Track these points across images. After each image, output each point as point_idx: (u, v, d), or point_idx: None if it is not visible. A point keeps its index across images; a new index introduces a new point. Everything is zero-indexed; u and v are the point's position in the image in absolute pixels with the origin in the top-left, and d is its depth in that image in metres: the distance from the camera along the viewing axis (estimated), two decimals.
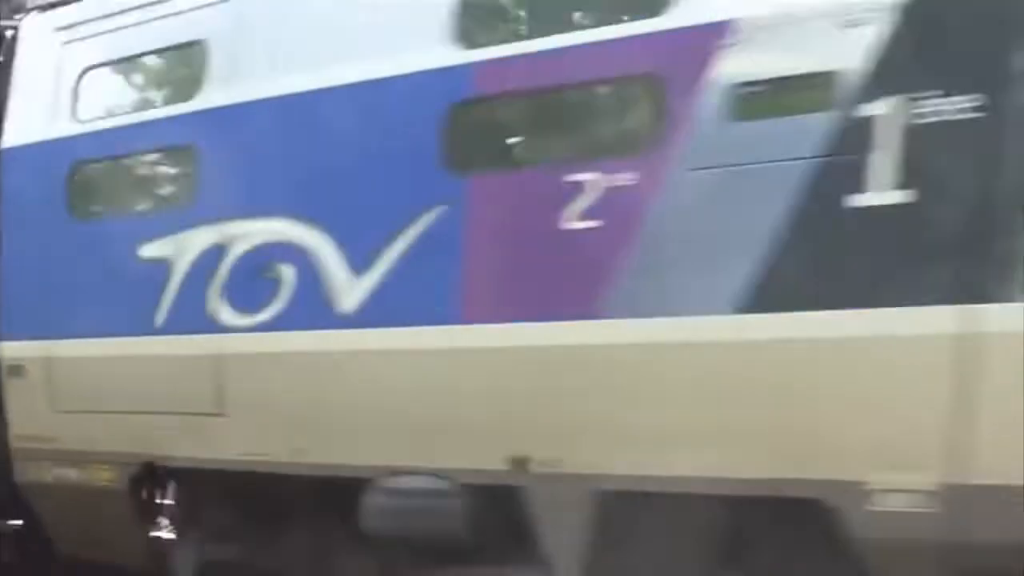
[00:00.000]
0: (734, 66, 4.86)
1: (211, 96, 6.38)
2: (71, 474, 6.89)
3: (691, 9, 5.02)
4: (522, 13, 5.99)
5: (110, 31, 7.02)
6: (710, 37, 4.92)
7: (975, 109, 4.34)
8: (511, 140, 6.07)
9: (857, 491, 4.57)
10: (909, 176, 4.46)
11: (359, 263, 5.70)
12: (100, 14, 7.08)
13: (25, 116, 7.26)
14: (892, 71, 4.55)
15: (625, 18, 5.34)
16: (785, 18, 4.80)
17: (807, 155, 4.67)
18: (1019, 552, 4.16)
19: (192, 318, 6.28)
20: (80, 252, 6.85)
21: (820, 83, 4.71)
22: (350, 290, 5.74)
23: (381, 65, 5.79)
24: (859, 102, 4.57)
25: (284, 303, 5.96)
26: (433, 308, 5.56)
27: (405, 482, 5.61)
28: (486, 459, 5.39)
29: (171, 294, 6.35)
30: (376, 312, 5.70)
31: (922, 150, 4.47)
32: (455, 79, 5.60)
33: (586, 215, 5.12)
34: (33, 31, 7.41)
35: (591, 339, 5.13)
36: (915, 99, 4.46)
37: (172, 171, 6.89)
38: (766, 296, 4.75)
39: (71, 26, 7.17)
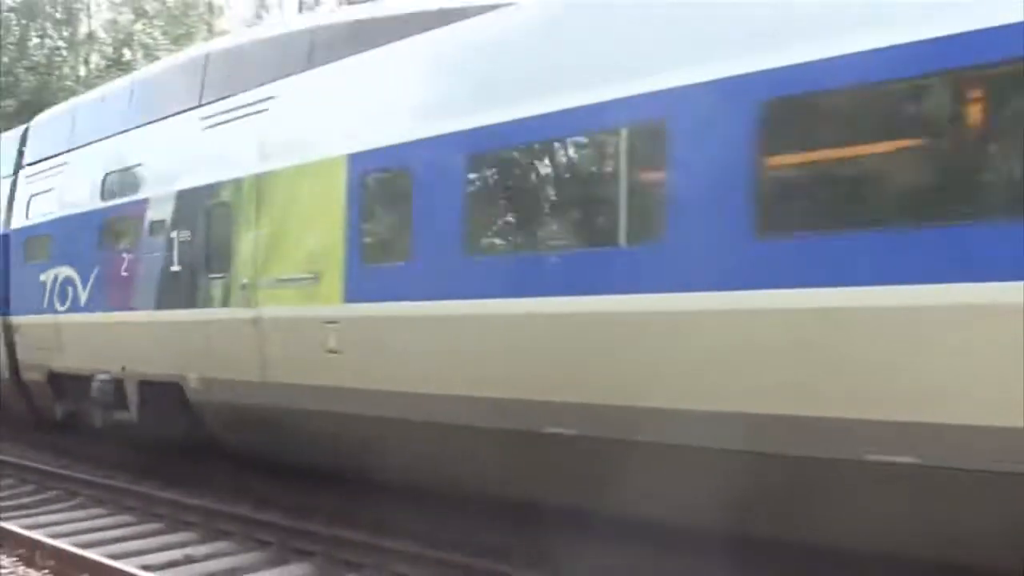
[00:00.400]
0: (148, 216, 11.65)
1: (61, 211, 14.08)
2: (30, 374, 14.54)
3: (142, 192, 11.84)
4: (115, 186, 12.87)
5: None
6: (143, 204, 11.71)
7: (190, 239, 10.99)
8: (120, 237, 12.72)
9: (186, 379, 11.00)
10: (180, 260, 10.94)
11: (83, 286, 12.86)
12: None
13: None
14: (170, 222, 11.25)
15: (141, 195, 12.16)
16: (159, 199, 11.54)
17: (160, 252, 11.30)
18: (229, 406, 10.51)
19: (51, 304, 13.78)
20: (29, 278, 14.53)
21: (160, 226, 11.37)
22: (81, 297, 12.91)
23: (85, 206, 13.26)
24: (169, 231, 11.22)
25: (70, 301, 13.17)
26: (98, 304, 12.57)
27: (98, 376, 12.44)
28: (116, 367, 12.19)
29: (46, 295, 13.87)
30: (88, 306, 12.79)
31: (183, 252, 10.97)
32: (103, 213, 12.80)
33: (125, 270, 12.03)
34: None
35: (129, 319, 11.95)
36: (179, 232, 11.09)
37: (48, 246, 14.21)
38: (160, 302, 11.38)
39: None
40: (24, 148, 15.42)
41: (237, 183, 10.23)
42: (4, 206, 15.27)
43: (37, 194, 14.60)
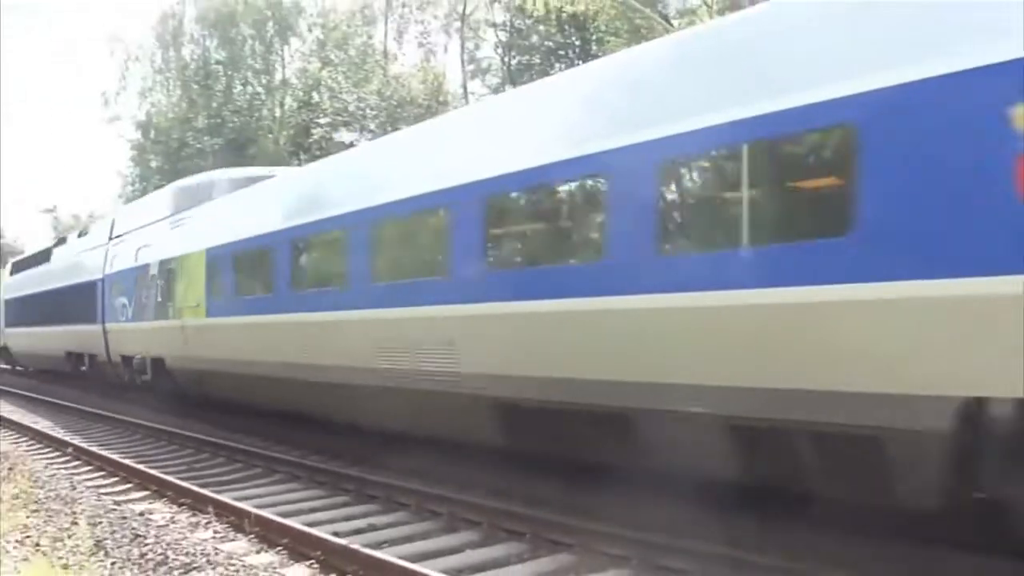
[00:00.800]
0: (149, 272, 18.40)
1: (122, 266, 20.67)
2: (114, 356, 20.70)
3: (148, 259, 18.65)
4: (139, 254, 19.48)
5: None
6: (148, 266, 18.52)
7: (163, 284, 17.70)
8: (141, 282, 19.10)
9: (165, 356, 17.62)
10: (161, 294, 17.66)
11: (130, 308, 19.48)
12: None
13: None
14: (157, 275, 18.01)
15: (147, 261, 18.98)
16: (154, 264, 18.30)
17: (155, 290, 18.06)
18: (181, 369, 17.29)
19: (119, 317, 20.16)
20: (112, 302, 20.76)
21: (154, 277, 18.23)
22: (129, 313, 19.54)
23: (130, 265, 20.22)
24: (157, 280, 18.13)
25: (125, 316, 19.82)
26: (135, 318, 19.18)
27: (136, 357, 18.99)
28: (142, 351, 18.65)
29: (118, 312, 20.30)
30: (132, 319, 19.38)
31: (162, 290, 17.65)
32: (135, 269, 19.50)
33: (143, 299, 18.70)
34: None
35: (145, 326, 18.56)
36: (159, 280, 17.84)
37: (119, 285, 20.63)
38: (155, 316, 17.94)
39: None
40: (112, 228, 22.29)
41: (177, 258, 16.88)
42: (103, 261, 21.70)
43: (116, 256, 21.05)
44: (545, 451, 8.89)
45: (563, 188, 8.39)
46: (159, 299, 17.29)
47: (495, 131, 9.53)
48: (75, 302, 22.89)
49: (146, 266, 18.26)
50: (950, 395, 5.34)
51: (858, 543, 6.65)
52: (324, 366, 11.63)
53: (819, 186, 6.43)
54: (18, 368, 33.41)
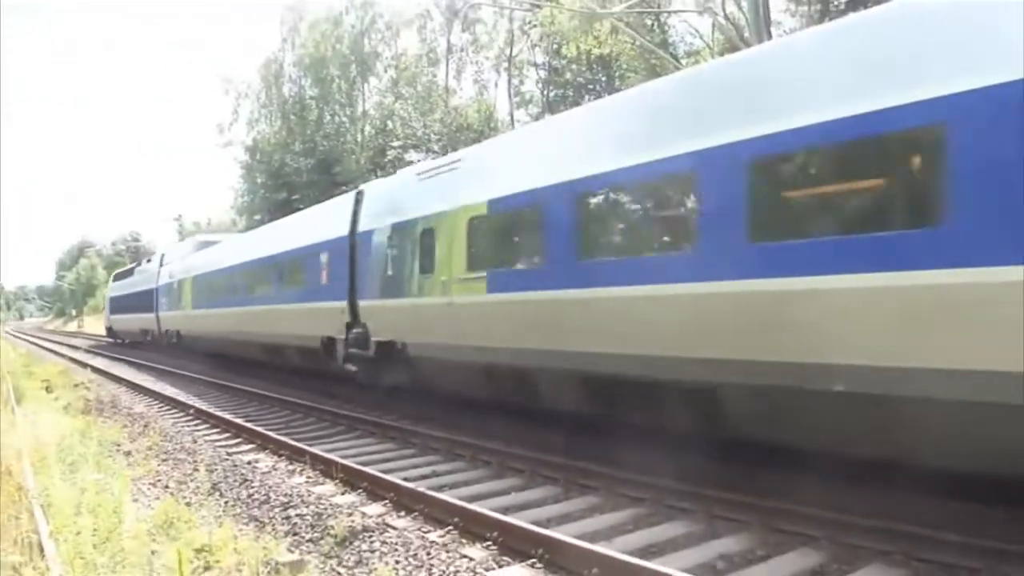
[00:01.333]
0: (173, 287, 27.29)
1: (165, 281, 29.32)
2: (162, 329, 29.16)
3: (173, 279, 27.59)
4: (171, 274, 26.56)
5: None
6: (170, 283, 27.57)
7: (178, 292, 25.17)
8: (170, 291, 28.37)
9: (181, 329, 26.47)
10: (177, 297, 26.26)
11: (165, 303, 28.20)
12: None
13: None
14: (176, 288, 26.80)
15: (172, 280, 27.75)
16: (173, 282, 27.21)
17: (175, 294, 26.84)
18: (189, 336, 25.75)
19: (162, 309, 28.78)
20: (161, 301, 29.05)
21: (174, 289, 26.98)
22: (165, 305, 28.14)
23: (168, 281, 28.69)
24: (173, 291, 27.18)
25: (163, 307, 28.56)
26: (168, 309, 27.91)
27: (170, 330, 27.62)
28: (173, 327, 27.13)
29: (163, 305, 28.73)
30: (167, 309, 27.92)
31: (177, 295, 26.45)
32: (168, 284, 28.36)
33: (168, 299, 27.79)
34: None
35: (171, 314, 27.67)
36: (175, 291, 26.43)
37: (165, 291, 29.05)
38: (174, 308, 27.28)
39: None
40: (162, 259, 30.46)
41: (179, 281, 25.87)
42: (157, 277, 29.69)
43: (162, 275, 28.96)
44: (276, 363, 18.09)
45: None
46: (175, 299, 26.27)
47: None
48: (143, 300, 31.93)
49: (172, 281, 27.10)
50: (317, 336, 13.87)
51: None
52: (234, 330, 19.72)
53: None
54: (118, 341, 41.73)
